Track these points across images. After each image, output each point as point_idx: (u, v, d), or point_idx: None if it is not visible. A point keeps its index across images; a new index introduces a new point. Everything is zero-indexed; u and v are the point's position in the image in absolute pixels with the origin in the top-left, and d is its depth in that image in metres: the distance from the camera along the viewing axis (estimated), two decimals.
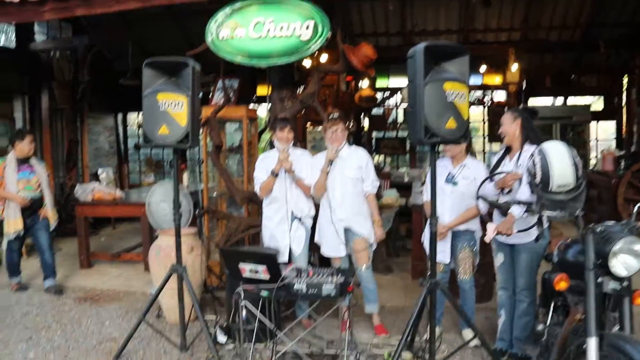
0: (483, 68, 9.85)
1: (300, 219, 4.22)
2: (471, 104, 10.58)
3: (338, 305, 3.18)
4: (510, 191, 3.55)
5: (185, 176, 7.86)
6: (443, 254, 3.92)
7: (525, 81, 10.18)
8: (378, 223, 4.14)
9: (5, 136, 7.88)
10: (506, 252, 3.66)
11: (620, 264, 2.42)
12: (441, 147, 3.93)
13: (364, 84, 9.61)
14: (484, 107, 10.82)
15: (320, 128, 8.41)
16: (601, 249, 2.45)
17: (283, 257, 4.10)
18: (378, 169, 7.15)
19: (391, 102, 11.05)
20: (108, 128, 10.78)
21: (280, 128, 4.15)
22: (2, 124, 8.19)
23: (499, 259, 3.71)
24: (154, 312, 4.55)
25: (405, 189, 8.10)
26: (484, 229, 3.91)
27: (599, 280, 2.45)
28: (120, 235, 8.43)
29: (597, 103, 11.10)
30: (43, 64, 8.23)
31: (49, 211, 5.37)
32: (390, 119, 10.93)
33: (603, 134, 11.05)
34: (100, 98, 9.98)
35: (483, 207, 3.95)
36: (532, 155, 2.64)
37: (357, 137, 10.12)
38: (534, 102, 10.78)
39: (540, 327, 3.41)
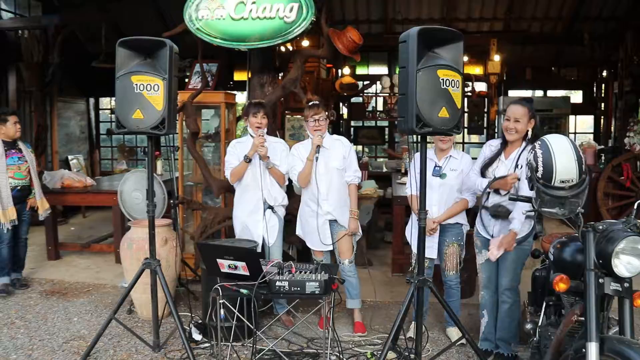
0: (465, 58, 9.71)
1: (273, 208, 4.05)
2: None
3: (322, 304, 3.00)
4: (507, 193, 3.40)
5: (159, 164, 7.60)
6: (430, 250, 3.78)
7: (505, 73, 10.12)
8: (354, 215, 3.97)
9: None
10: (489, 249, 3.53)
11: (623, 264, 2.29)
12: (429, 138, 3.77)
13: (345, 71, 9.41)
14: (464, 97, 10.72)
15: (299, 116, 8.22)
16: (603, 249, 2.32)
17: (257, 248, 3.94)
18: (357, 159, 7.00)
19: (371, 90, 10.88)
20: (79, 113, 10.40)
21: (253, 113, 3.96)
22: None
23: (482, 256, 3.58)
24: (124, 307, 4.33)
25: (383, 179, 7.97)
26: (471, 223, 3.79)
27: (600, 281, 2.32)
28: (90, 224, 8.12)
29: (575, 96, 11.12)
30: (10, 44, 7.82)
31: (37, 200, 5.01)
32: (369, 108, 10.76)
33: (580, 127, 11.08)
34: (72, 81, 9.59)
35: (472, 199, 3.82)
36: (532, 147, 2.48)
37: (335, 127, 9.94)
38: (513, 94, 10.73)
39: (528, 326, 3.30)
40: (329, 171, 3.87)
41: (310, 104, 3.92)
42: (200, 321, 3.94)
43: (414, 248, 3.94)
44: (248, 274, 2.94)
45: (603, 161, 7.24)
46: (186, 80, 5.57)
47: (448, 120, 2.94)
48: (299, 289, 2.83)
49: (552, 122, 9.89)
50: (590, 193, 6.93)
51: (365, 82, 10.35)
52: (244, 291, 2.85)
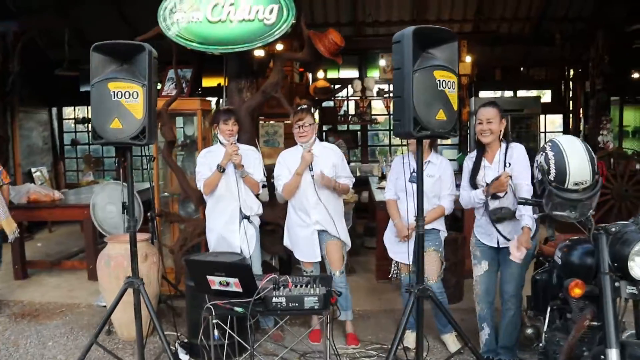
0: None
1: (249, 218, 3.90)
2: None
3: (323, 318, 2.85)
4: (505, 194, 3.32)
5: (124, 173, 7.31)
6: (403, 255, 3.67)
7: (475, 74, 10.17)
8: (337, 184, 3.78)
9: None
10: (491, 258, 3.45)
11: (639, 266, 2.22)
12: (397, 142, 3.68)
13: (319, 75, 9.30)
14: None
15: (273, 122, 8.05)
16: (617, 251, 2.25)
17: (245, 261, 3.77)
18: None
19: (342, 94, 10.78)
20: (42, 123, 9.98)
21: (224, 120, 3.81)
22: None
23: (482, 267, 3.48)
24: (105, 325, 4.07)
25: (358, 184, 7.86)
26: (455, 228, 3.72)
27: (616, 284, 2.25)
28: (58, 239, 7.76)
29: (544, 96, 11.26)
30: None
31: (2, 221, 4.66)
32: (341, 112, 10.67)
33: (549, 127, 11.22)
34: (33, 90, 9.17)
35: (449, 206, 3.73)
36: (542, 149, 2.39)
37: None
38: (484, 95, 10.80)
39: (529, 331, 3.25)
40: (318, 179, 3.72)
41: (298, 108, 3.77)
42: (186, 340, 3.73)
43: (392, 255, 3.85)
44: (241, 290, 2.77)
45: None
46: (159, 86, 5.35)
47: (445, 123, 2.84)
48: (297, 304, 2.67)
49: (523, 122, 9.97)
50: None
51: (337, 86, 10.26)
52: (239, 309, 2.68)
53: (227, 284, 2.78)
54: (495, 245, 3.41)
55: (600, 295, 2.26)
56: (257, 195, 4.11)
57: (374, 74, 10.66)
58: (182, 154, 5.23)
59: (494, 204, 3.36)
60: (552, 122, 11.33)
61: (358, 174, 8.99)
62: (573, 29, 8.48)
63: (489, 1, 9.10)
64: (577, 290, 2.30)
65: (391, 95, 10.47)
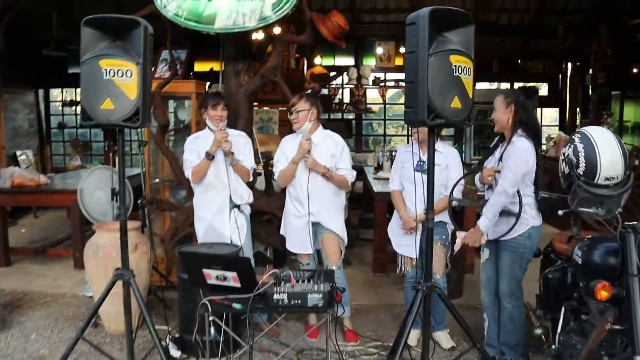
0: None
1: (239, 207, 3.73)
2: None
3: (327, 317, 2.68)
4: (490, 187, 3.21)
5: (114, 158, 7.06)
6: (409, 248, 3.53)
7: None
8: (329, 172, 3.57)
9: None
10: (492, 248, 3.31)
11: None
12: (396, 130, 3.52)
13: (316, 60, 9.09)
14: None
15: (267, 108, 7.86)
16: None
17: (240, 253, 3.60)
18: None
19: (337, 82, 10.58)
20: (27, 105, 9.65)
21: (212, 105, 3.61)
22: None
23: (484, 254, 3.36)
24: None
25: None
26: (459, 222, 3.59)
27: None
28: (43, 225, 7.50)
29: (541, 89, 11.14)
30: None
31: None
32: (336, 100, 10.47)
33: (545, 120, 11.10)
34: (18, 71, 8.83)
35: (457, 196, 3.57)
36: (570, 141, 2.23)
37: None
38: (479, 87, 10.64)
39: (538, 331, 3.11)
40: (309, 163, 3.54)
41: (291, 99, 3.60)
42: (177, 335, 3.55)
43: (397, 248, 3.69)
44: (239, 285, 2.59)
45: None
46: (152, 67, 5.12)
47: (460, 111, 2.68)
48: (299, 301, 2.50)
49: None
50: (542, 183, 6.90)
51: (332, 73, 10.06)
52: (237, 306, 2.50)
53: (225, 278, 2.61)
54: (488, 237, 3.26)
55: (627, 298, 2.11)
56: (250, 184, 3.93)
57: (370, 62, 10.47)
58: (174, 139, 5.02)
59: (487, 194, 3.25)
60: (548, 116, 11.22)
61: (352, 163, 8.80)
62: (572, 22, 8.33)
63: None
64: (603, 292, 2.15)
65: (387, 84, 10.36)
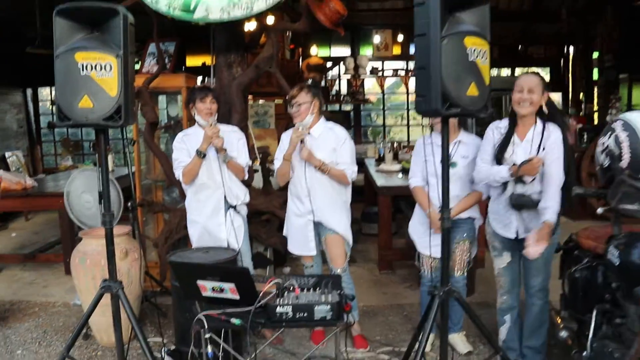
0: None
1: (235, 207, 3.48)
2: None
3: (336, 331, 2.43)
4: (532, 180, 2.93)
5: (110, 159, 6.81)
6: (437, 248, 3.26)
7: None
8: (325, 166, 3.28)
9: None
10: (514, 250, 3.06)
11: None
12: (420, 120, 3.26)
13: (312, 51, 8.81)
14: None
15: (262, 101, 7.59)
16: None
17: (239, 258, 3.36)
18: None
19: (334, 72, 10.31)
20: (16, 105, 9.39)
21: (201, 98, 3.36)
22: None
23: (504, 259, 3.10)
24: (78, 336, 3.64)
25: None
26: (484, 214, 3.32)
27: None
28: (35, 228, 7.24)
29: (543, 75, 10.90)
30: None
31: None
32: (333, 91, 10.20)
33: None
34: (5, 70, 8.57)
35: (486, 191, 3.32)
36: (609, 130, 1.98)
37: None
38: None
39: (564, 333, 2.87)
40: (310, 164, 3.28)
41: (290, 91, 3.33)
42: (173, 347, 3.31)
43: (420, 248, 3.44)
44: (238, 297, 2.35)
45: (585, 140, 6.93)
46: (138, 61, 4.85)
47: (477, 99, 2.42)
48: (305, 314, 2.25)
49: None
50: (574, 174, 6.69)
51: (328, 64, 9.79)
52: (236, 321, 2.25)
53: (221, 290, 2.36)
54: (513, 237, 3.01)
55: None
56: (247, 182, 3.68)
57: (366, 51, 10.20)
58: (166, 137, 4.76)
59: (517, 189, 2.97)
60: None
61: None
62: (575, 4, 8.05)
63: None
64: None
65: (385, 74, 10.09)
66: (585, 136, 6.90)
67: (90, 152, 9.98)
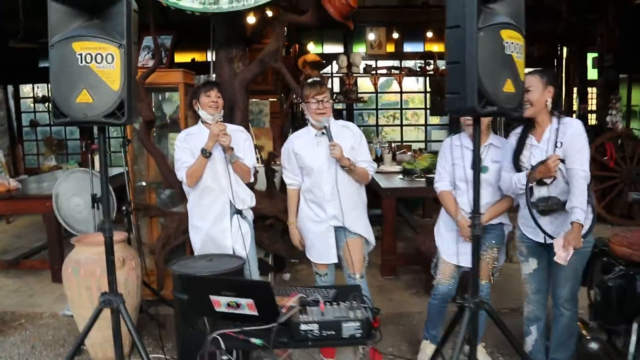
0: (429, 34, 9.23)
1: (241, 213, 3.25)
2: (412, 72, 9.92)
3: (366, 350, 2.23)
4: (553, 181, 2.77)
5: (93, 159, 6.50)
6: (466, 257, 3.07)
7: None
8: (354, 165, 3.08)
9: None
10: (542, 255, 2.89)
11: None
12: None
13: (310, 47, 8.60)
14: (426, 77, 10.17)
15: (257, 99, 7.34)
16: None
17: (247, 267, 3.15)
18: None
19: (326, 71, 10.10)
20: None
21: (205, 92, 3.13)
22: None
23: (530, 265, 2.93)
24: (71, 344, 3.40)
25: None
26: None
27: None
28: (18, 232, 6.91)
29: None
30: None
31: None
32: None
33: None
34: None
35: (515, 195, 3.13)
36: None
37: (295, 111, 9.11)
38: None
39: (594, 345, 2.71)
40: (332, 165, 3.07)
41: (309, 81, 3.11)
42: None
43: (449, 258, 3.21)
44: (256, 313, 2.13)
45: None
46: None
47: (513, 97, 2.25)
48: (333, 332, 2.03)
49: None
50: None
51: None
52: (257, 341, 2.03)
53: (238, 305, 2.14)
54: (542, 241, 2.85)
55: None
56: (250, 185, 3.46)
57: (359, 49, 10.01)
58: (157, 135, 4.49)
59: (539, 192, 2.81)
60: None
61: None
62: (575, 3, 7.94)
63: None
64: None
65: (379, 72, 9.90)
66: None
67: (75, 152, 9.65)
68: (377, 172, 5.93)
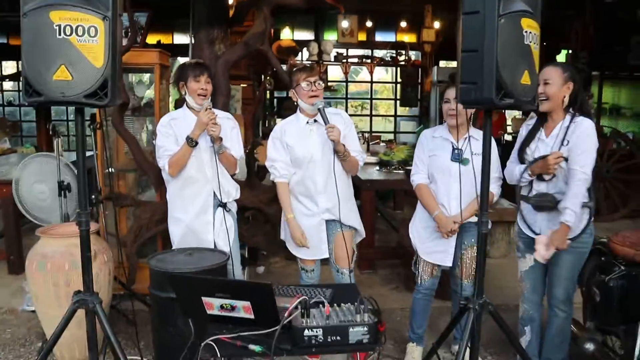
0: (403, 24, 9.15)
1: (225, 205, 3.05)
2: (384, 62, 9.83)
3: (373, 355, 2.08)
4: (552, 178, 2.70)
5: (59, 143, 6.12)
6: (444, 255, 3.00)
7: (440, 42, 9.57)
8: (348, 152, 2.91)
9: None
10: None
11: None
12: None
13: (285, 32, 8.37)
14: (397, 67, 10.09)
15: (232, 85, 7.07)
16: None
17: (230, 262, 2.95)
18: None
19: (296, 58, 9.88)
20: None
21: (195, 76, 2.89)
22: None
23: (527, 261, 2.86)
24: (36, 344, 3.14)
25: None
26: None
27: None
28: None
29: None
30: None
31: None
32: None
33: None
34: None
35: (497, 191, 3.05)
36: None
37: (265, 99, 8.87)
38: (445, 65, 10.25)
39: (590, 346, 2.66)
40: (326, 155, 2.90)
41: (301, 67, 2.92)
42: None
43: (426, 256, 3.09)
44: (253, 317, 1.95)
45: None
46: None
47: (529, 89, 2.14)
48: (339, 337, 1.87)
49: None
50: None
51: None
52: (256, 348, 1.86)
53: (233, 308, 1.96)
54: (535, 237, 2.78)
55: None
56: (233, 175, 3.25)
57: (331, 36, 9.84)
58: (132, 120, 4.21)
59: (538, 188, 2.75)
60: None
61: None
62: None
63: None
64: None
65: (350, 60, 9.75)
66: None
67: (31, 134, 9.14)
68: None
